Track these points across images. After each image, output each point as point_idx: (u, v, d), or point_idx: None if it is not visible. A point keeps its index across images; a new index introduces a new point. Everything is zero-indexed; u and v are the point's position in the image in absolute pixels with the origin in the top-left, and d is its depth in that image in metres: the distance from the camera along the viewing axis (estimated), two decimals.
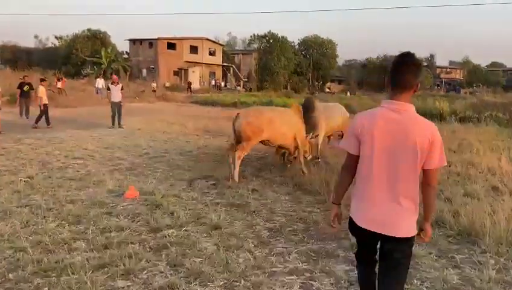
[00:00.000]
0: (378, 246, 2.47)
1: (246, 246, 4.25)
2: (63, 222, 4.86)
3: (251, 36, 63.44)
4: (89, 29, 56.74)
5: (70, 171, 7.49)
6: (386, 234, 2.31)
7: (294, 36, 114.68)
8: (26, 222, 4.76)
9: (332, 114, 9.17)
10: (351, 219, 2.48)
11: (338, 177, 2.64)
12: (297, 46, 63.69)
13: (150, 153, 9.61)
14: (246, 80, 60.34)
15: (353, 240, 4.35)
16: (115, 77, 15.55)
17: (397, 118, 2.28)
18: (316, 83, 63.79)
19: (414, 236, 2.36)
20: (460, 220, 4.87)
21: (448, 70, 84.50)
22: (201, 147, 10.67)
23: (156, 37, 53.35)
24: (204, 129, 14.34)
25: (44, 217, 4.96)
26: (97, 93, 28.22)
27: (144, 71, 54.47)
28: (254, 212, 5.40)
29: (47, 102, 14.43)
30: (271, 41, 57.81)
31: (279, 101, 27.77)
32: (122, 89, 14.92)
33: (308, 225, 4.96)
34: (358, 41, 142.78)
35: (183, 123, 15.93)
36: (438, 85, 76.73)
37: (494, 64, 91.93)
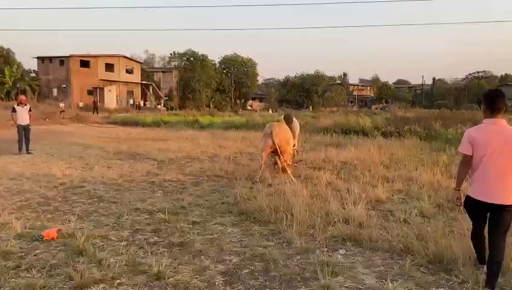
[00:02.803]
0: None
1: None
2: None
3: (171, 54, 62.29)
4: None
5: None
6: (494, 202, 3.58)
7: (215, 55, 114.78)
8: None
9: (297, 125, 10.31)
10: (468, 196, 3.81)
11: (458, 170, 3.91)
12: (218, 65, 63.61)
13: (66, 183, 8.34)
14: (166, 98, 58.66)
15: (323, 281, 3.82)
16: (22, 97, 13.82)
17: (497, 129, 3.63)
18: (238, 101, 63.99)
19: None
20: (427, 245, 4.51)
21: (360, 87, 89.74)
22: (125, 173, 9.53)
23: (68, 54, 50.10)
24: (127, 153, 13.13)
25: None
26: None
27: (55, 91, 50.73)
28: (201, 252, 4.60)
29: None
30: (191, 59, 57.16)
31: (205, 119, 27.04)
32: (30, 111, 13.30)
33: (267, 264, 4.24)
34: (275, 60, 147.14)
35: (102, 146, 14.59)
36: (352, 101, 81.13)
37: (400, 81, 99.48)
